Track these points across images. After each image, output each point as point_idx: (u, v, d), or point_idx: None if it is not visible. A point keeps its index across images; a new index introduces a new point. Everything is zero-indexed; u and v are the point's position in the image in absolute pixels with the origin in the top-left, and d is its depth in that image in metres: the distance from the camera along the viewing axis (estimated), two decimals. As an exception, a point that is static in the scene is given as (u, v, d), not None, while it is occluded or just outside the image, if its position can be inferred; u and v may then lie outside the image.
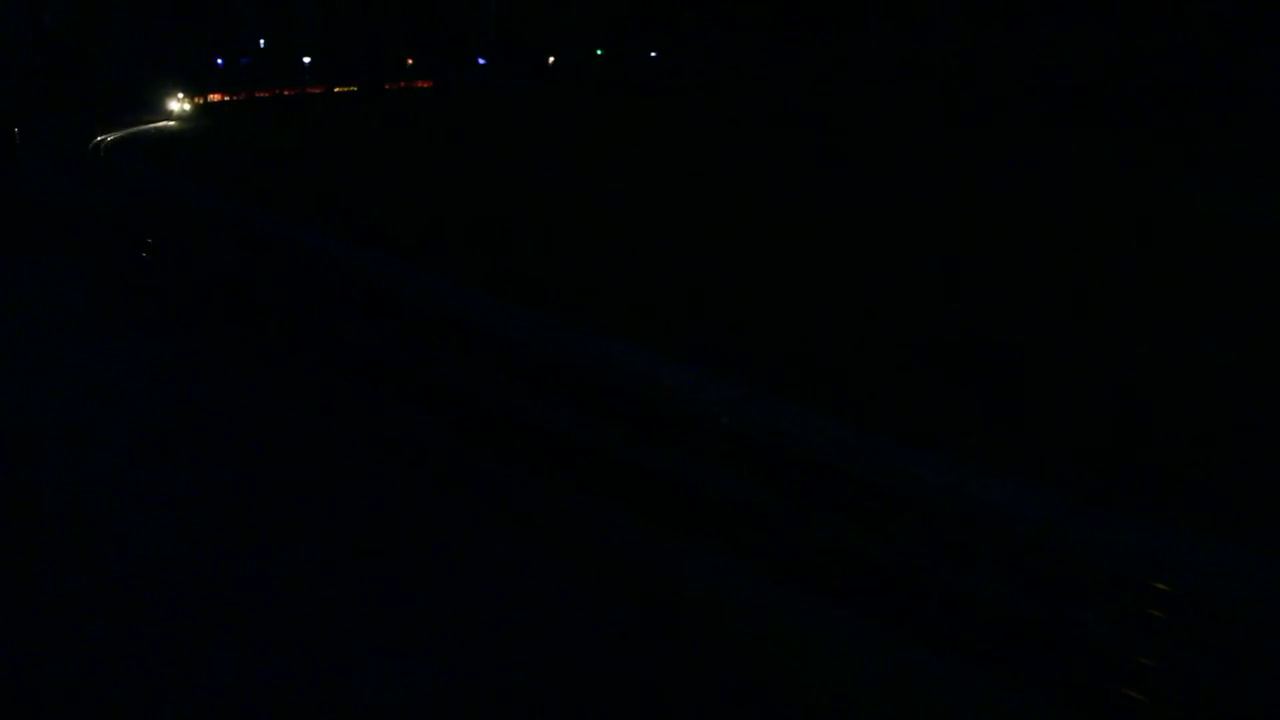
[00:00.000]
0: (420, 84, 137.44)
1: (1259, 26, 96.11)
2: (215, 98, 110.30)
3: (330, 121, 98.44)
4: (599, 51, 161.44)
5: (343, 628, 16.50)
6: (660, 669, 15.54)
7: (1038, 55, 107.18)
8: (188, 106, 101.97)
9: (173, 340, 30.86)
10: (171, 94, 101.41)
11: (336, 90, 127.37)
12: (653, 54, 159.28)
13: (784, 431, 23.15)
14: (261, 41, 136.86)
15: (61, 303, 34.82)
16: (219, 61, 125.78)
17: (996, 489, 20.33)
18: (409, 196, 54.73)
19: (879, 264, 39.95)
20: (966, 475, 20.89)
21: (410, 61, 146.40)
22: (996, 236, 44.89)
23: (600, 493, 20.49)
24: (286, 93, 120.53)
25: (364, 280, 37.01)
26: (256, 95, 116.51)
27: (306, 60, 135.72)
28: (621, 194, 55.50)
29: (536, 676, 15.37)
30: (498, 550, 18.85)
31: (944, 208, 51.21)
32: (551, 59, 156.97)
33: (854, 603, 16.72)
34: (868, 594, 16.92)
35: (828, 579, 17.30)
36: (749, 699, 14.89)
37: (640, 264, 39.58)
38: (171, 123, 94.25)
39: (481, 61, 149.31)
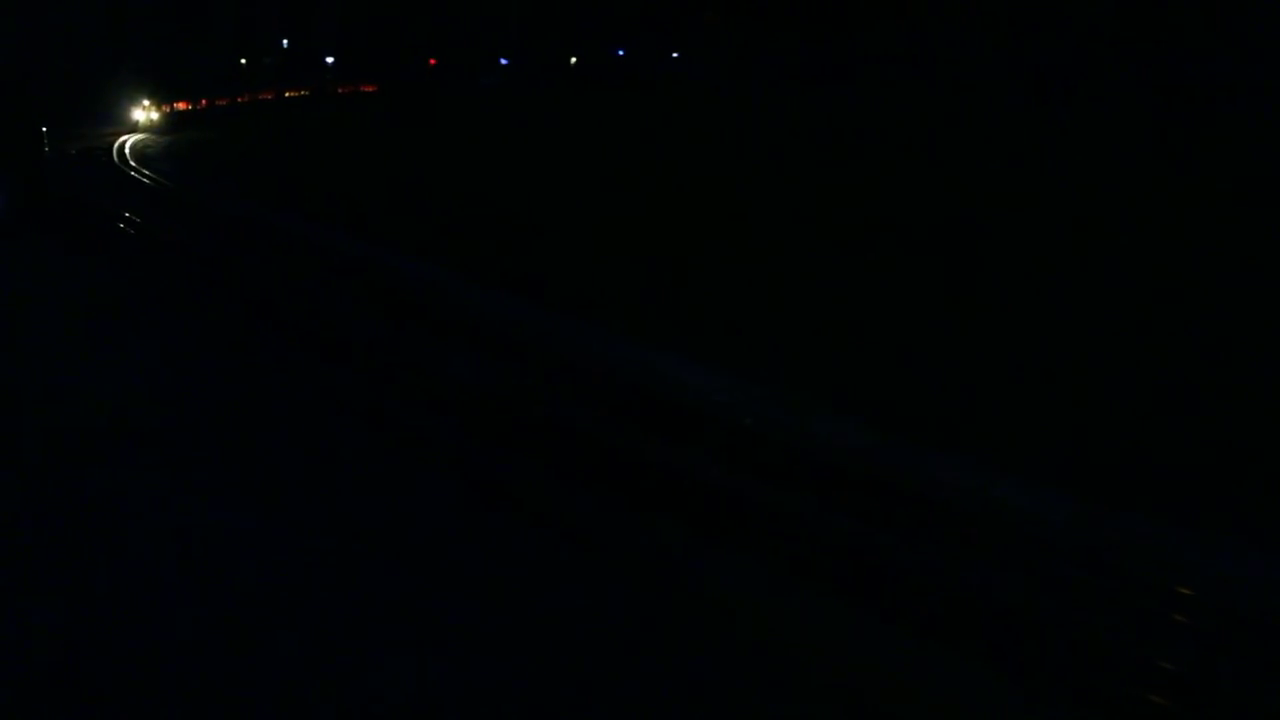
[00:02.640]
0: (365, 88, 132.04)
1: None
2: (182, 106, 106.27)
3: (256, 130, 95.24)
4: (620, 52, 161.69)
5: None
6: (671, 667, 15.58)
7: None
8: (155, 115, 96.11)
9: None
10: (137, 102, 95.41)
11: (287, 95, 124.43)
12: (674, 55, 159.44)
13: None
14: (285, 42, 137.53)
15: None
16: (242, 61, 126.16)
17: (1018, 493, 20.39)
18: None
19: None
20: (989, 479, 20.96)
21: (433, 62, 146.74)
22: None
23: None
24: (241, 100, 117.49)
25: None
26: (217, 103, 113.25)
27: (330, 60, 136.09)
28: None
29: (541, 674, 15.45)
30: (508, 548, 19.03)
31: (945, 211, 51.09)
32: (574, 59, 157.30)
33: (870, 601, 16.86)
34: (886, 593, 17.07)
35: (842, 578, 17.46)
36: (759, 699, 14.92)
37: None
38: (138, 135, 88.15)
39: (504, 62, 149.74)
